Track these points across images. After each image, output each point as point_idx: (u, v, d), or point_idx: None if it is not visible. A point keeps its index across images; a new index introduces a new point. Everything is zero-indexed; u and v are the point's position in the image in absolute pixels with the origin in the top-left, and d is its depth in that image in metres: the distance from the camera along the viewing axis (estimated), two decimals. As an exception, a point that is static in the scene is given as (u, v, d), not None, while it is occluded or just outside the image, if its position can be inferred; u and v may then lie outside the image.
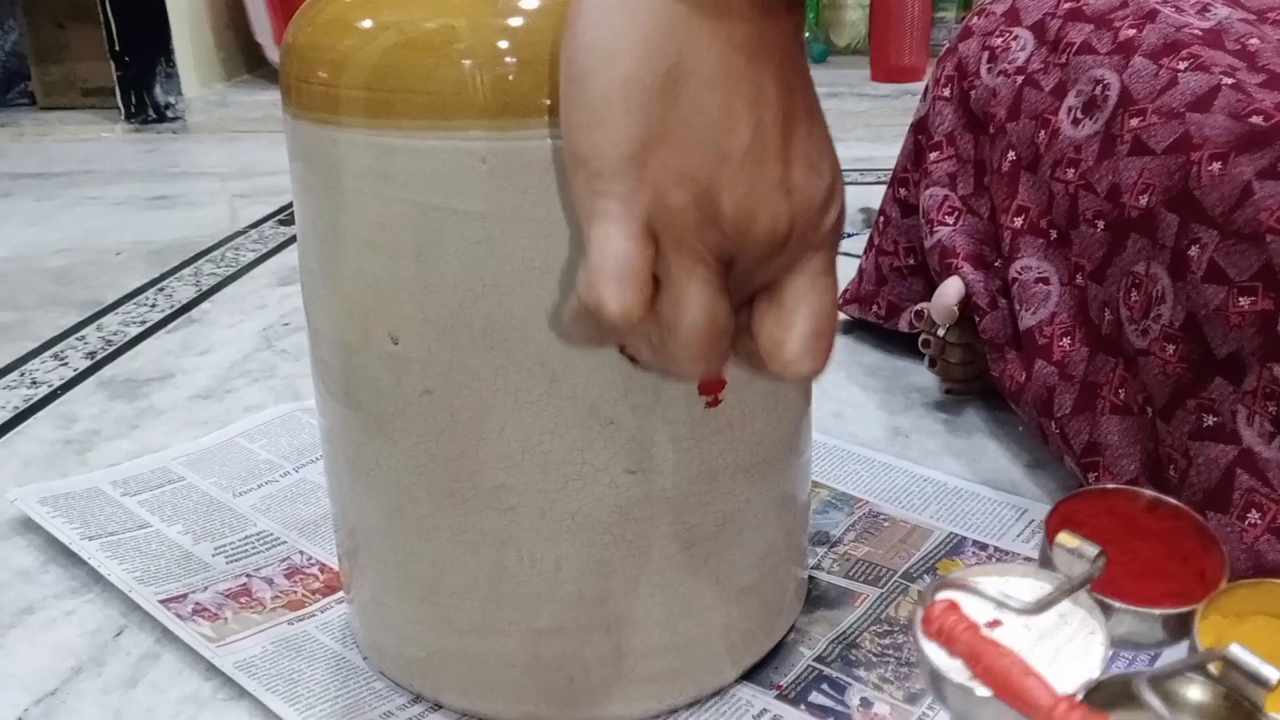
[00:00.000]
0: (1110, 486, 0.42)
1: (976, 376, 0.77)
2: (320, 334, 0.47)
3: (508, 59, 0.39)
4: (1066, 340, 0.62)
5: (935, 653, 0.34)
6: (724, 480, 0.46)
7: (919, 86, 1.94)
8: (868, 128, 1.66)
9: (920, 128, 0.78)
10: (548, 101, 0.39)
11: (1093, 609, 0.35)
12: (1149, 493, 0.40)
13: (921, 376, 0.81)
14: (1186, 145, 0.54)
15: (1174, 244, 0.54)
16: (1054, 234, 0.64)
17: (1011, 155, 0.68)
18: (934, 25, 2.00)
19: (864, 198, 1.25)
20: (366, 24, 0.42)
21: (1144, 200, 0.56)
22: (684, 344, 0.35)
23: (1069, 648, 0.34)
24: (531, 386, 0.43)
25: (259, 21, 2.08)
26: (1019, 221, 0.66)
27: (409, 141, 0.41)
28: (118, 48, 1.84)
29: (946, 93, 0.76)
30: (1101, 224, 0.59)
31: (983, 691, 0.33)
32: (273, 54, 2.11)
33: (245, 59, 2.21)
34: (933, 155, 0.76)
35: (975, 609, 0.35)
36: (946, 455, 0.71)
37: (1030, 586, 0.37)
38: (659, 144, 0.33)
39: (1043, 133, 0.65)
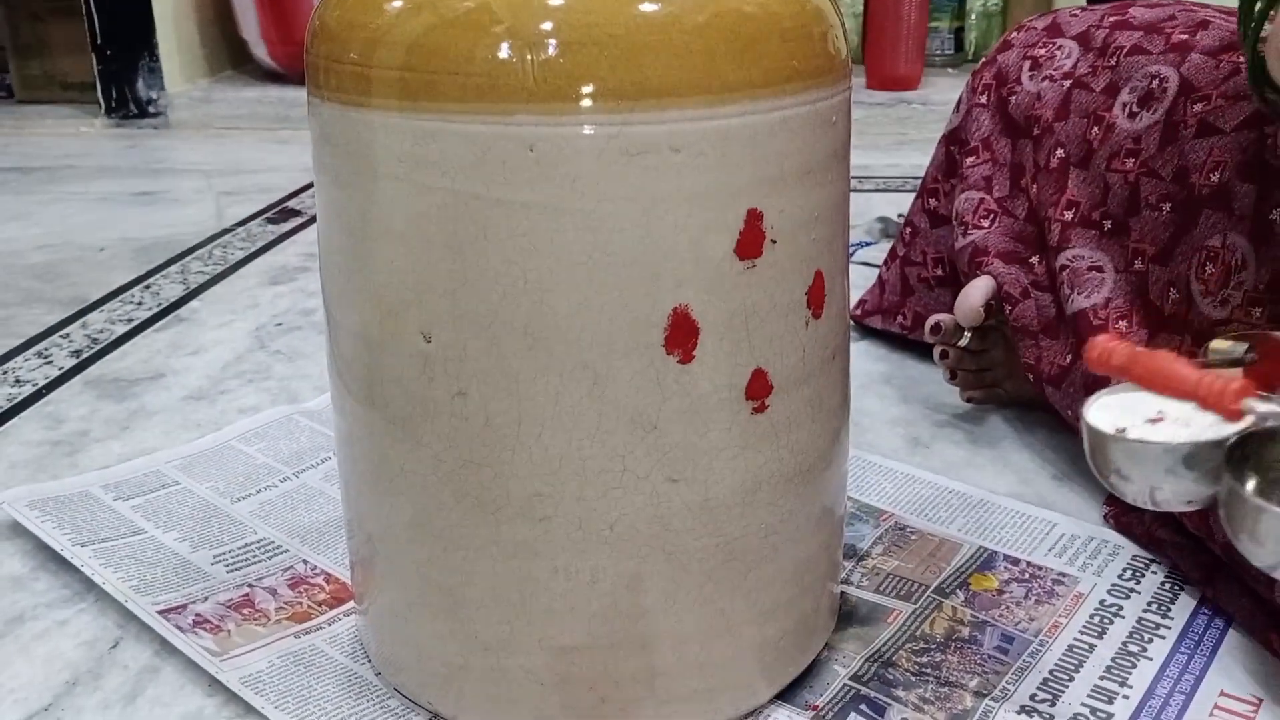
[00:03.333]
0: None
1: (996, 384, 0.76)
2: (342, 330, 0.45)
3: (554, 40, 0.37)
4: (1124, 323, 0.62)
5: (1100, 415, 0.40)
6: (767, 491, 0.44)
7: (914, 95, 1.96)
8: (863, 136, 1.65)
9: (953, 138, 0.78)
10: (598, 86, 0.37)
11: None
12: None
13: (938, 386, 0.79)
14: (1258, 120, 0.55)
15: (1253, 212, 0.55)
16: (1108, 224, 0.64)
17: (1060, 152, 0.67)
18: (929, 35, 2.00)
19: (867, 206, 1.24)
20: (400, 2, 0.40)
21: (1215, 177, 0.57)
22: None
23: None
24: (572, 389, 0.40)
25: (244, 16, 2.04)
26: (1069, 215, 0.66)
27: (449, 125, 0.38)
28: (99, 41, 1.80)
29: (984, 100, 0.75)
30: (1168, 206, 0.60)
31: (1153, 435, 0.38)
32: (258, 50, 2.08)
33: (230, 54, 2.18)
34: (968, 160, 0.75)
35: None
36: (969, 467, 0.70)
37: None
38: None
39: (1095, 129, 0.65)
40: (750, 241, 0.40)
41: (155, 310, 1.00)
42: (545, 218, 0.38)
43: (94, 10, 1.78)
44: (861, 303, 0.88)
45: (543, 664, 0.44)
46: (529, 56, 0.37)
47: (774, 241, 0.41)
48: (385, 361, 0.43)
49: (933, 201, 0.80)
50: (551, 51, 0.37)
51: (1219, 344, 0.40)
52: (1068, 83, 0.69)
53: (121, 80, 1.83)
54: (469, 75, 0.38)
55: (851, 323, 0.79)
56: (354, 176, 0.42)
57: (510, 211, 0.38)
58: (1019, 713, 0.48)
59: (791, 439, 0.44)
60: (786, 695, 0.49)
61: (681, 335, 0.40)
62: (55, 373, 0.86)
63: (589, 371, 0.40)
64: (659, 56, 0.37)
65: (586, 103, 0.37)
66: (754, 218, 0.40)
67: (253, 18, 2.02)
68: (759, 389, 0.42)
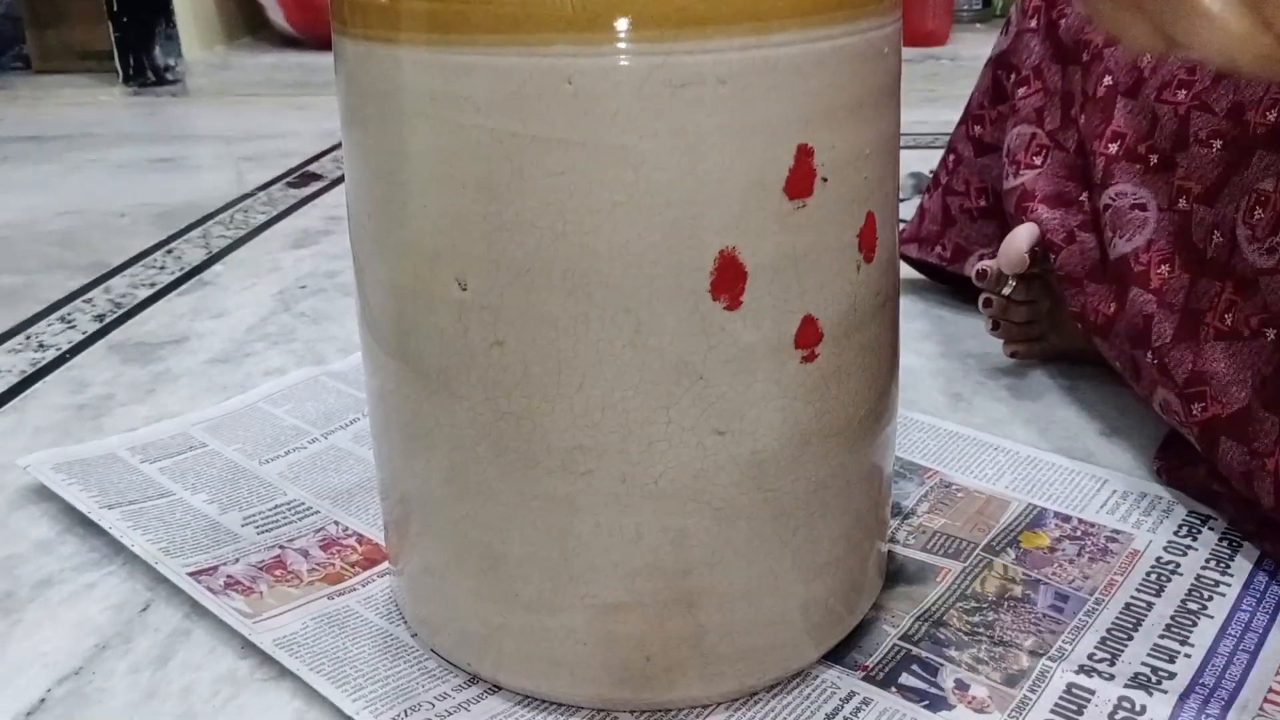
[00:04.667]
0: None
1: (1041, 337, 0.73)
2: (373, 282, 0.43)
3: (593, -32, 0.35)
4: (1165, 267, 0.59)
5: None
6: (817, 444, 0.42)
7: (942, 51, 1.91)
8: (891, 93, 1.62)
9: (1001, 62, 0.75)
10: (640, 14, 0.35)
11: None
12: None
13: (978, 341, 0.77)
14: None
15: None
16: (1154, 159, 0.61)
17: (1108, 80, 0.64)
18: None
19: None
20: (430, -67, 0.38)
21: (1272, 115, 0.54)
22: None
23: None
24: (614, 337, 0.38)
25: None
26: (1114, 148, 0.63)
27: (483, 59, 0.36)
28: (116, 9, 1.79)
29: (1033, 24, 0.72)
30: (1219, 143, 0.57)
31: None
32: (275, 15, 2.06)
33: (246, 21, 2.16)
34: (1020, 91, 0.72)
35: None
36: (1014, 422, 0.68)
37: None
38: None
39: (1147, 56, 0.62)
40: (800, 179, 0.38)
41: (177, 274, 0.99)
42: (584, 155, 0.36)
43: (110, -24, 1.77)
44: (900, 231, 0.84)
45: (585, 623, 0.43)
46: (567, -17, 0.35)
47: (825, 180, 0.39)
48: (419, 312, 0.41)
49: (978, 129, 0.77)
50: (591, -22, 0.35)
51: None
52: None
53: (139, 48, 1.82)
54: (503, 5, 0.36)
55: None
56: (383, 118, 0.40)
57: (547, 149, 0.37)
58: (1077, 672, 0.46)
59: (842, 390, 0.42)
60: (835, 655, 0.47)
61: (728, 280, 0.38)
62: (78, 337, 0.85)
63: (631, 318, 0.38)
64: (704, -18, 0.35)
65: (627, 32, 0.35)
66: (804, 153, 0.38)
67: (269, -17, 2.00)
68: (808, 337, 0.40)
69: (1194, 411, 0.55)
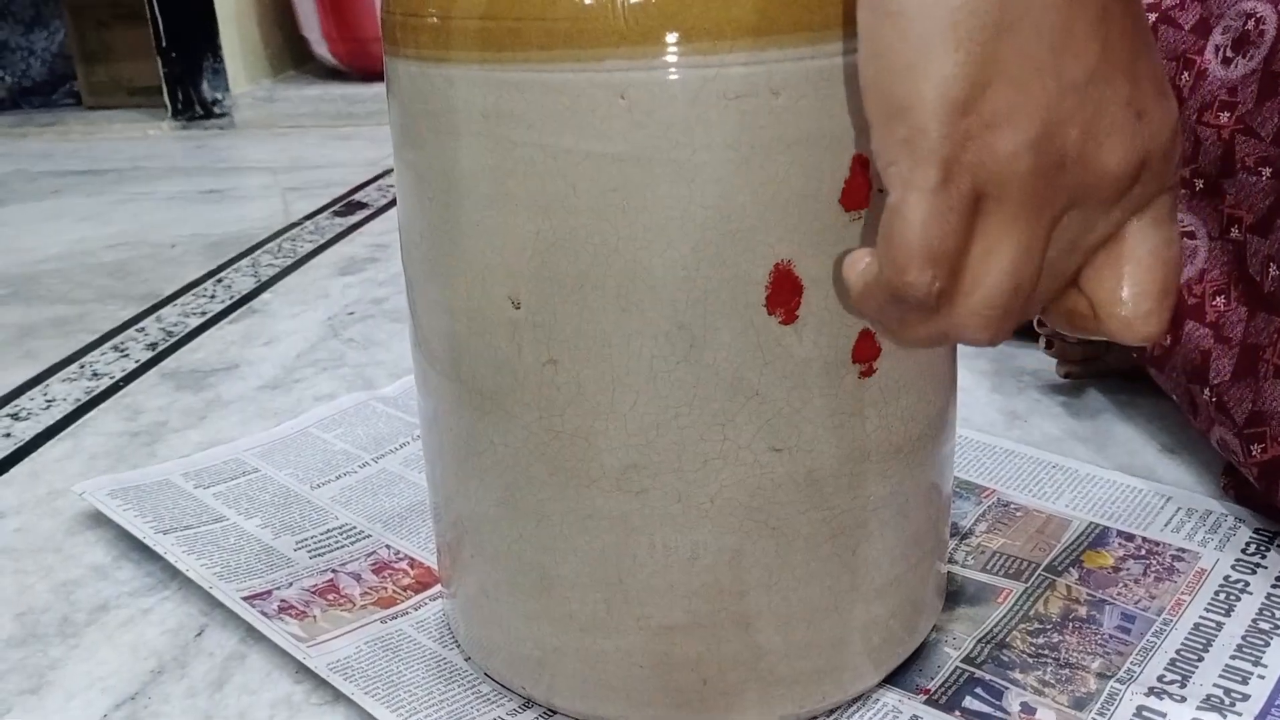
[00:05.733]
0: None
1: (1096, 357, 0.72)
2: (426, 303, 0.43)
3: (645, -18, 0.35)
4: (1220, 299, 0.57)
5: None
6: (876, 461, 0.41)
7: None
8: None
9: None
10: (693, 26, 0.35)
11: None
12: None
13: (1031, 358, 0.76)
14: None
15: None
16: (1200, 184, 0.58)
17: None
18: None
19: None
20: (481, -47, 0.38)
21: None
22: (977, 308, 0.32)
23: None
24: (668, 354, 0.38)
25: (305, 16, 2.05)
26: None
27: (535, 75, 0.36)
28: (164, 44, 1.82)
29: None
30: (1268, 171, 0.54)
31: None
32: (319, 48, 2.09)
33: (292, 54, 2.19)
34: None
35: None
36: (1071, 440, 0.66)
37: None
38: (990, 83, 0.30)
39: (1186, 74, 0.60)
40: (856, 190, 0.38)
41: (228, 303, 1.00)
42: (638, 170, 0.36)
43: (158, 14, 1.80)
44: None
45: (641, 645, 0.42)
46: (618, -3, 0.35)
47: (881, 191, 0.38)
48: (472, 332, 0.41)
49: None
50: (642, -8, 0.35)
51: None
52: (1153, 16, 0.63)
53: (186, 83, 1.85)
54: (555, 20, 0.36)
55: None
56: (435, 138, 0.40)
57: (600, 165, 0.36)
58: (1148, 694, 0.44)
59: (901, 406, 0.42)
60: (895, 678, 0.46)
61: (784, 294, 0.38)
62: (131, 366, 0.86)
63: (685, 334, 0.38)
64: (757, -7, 0.35)
65: (679, 44, 0.35)
66: (860, 164, 0.38)
67: (313, 17, 2.04)
68: (866, 351, 0.40)
69: (1253, 452, 0.53)
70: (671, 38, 0.35)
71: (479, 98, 0.38)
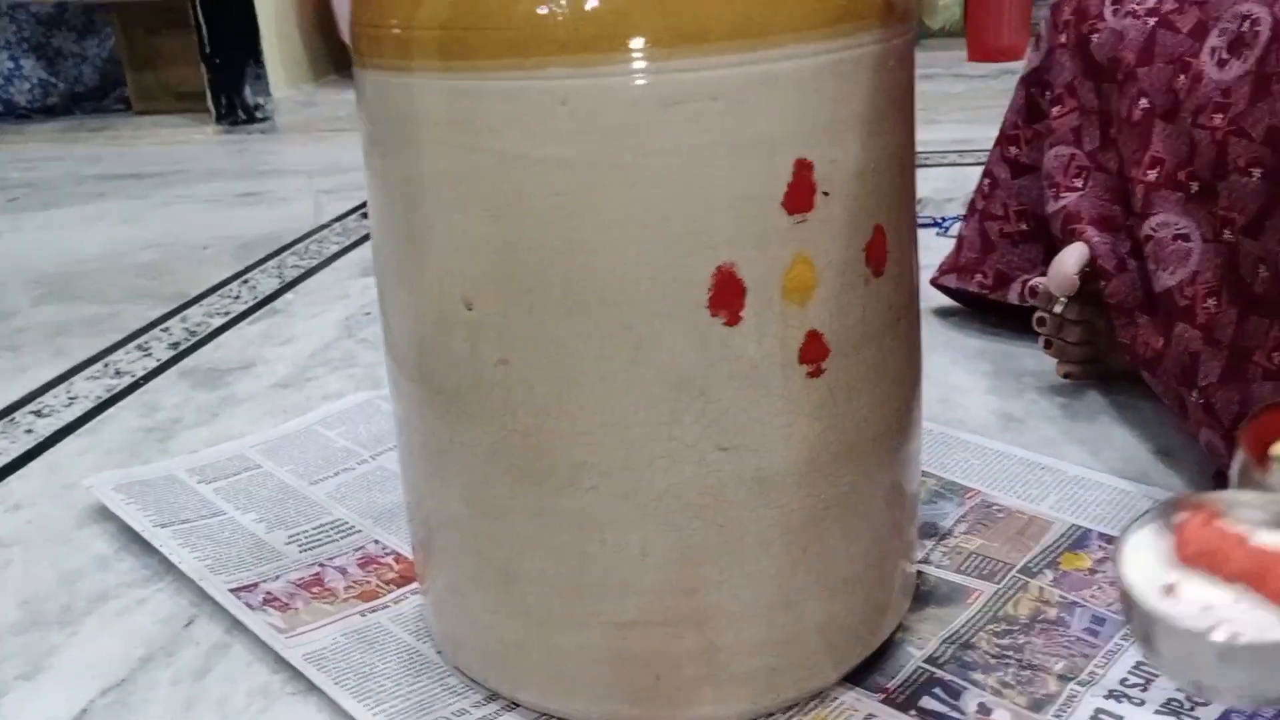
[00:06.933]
0: None
1: (1096, 358, 0.71)
2: (394, 306, 0.44)
3: (587, -9, 0.36)
4: (1212, 301, 0.56)
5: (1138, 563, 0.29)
6: (827, 461, 0.42)
7: (1018, 66, 1.88)
8: (964, 110, 1.60)
9: (1033, 80, 0.73)
10: (632, 34, 0.36)
11: None
12: None
13: (1032, 360, 0.75)
14: None
15: None
16: (1195, 186, 0.58)
17: (1144, 103, 0.61)
18: (1035, 3, 1.92)
19: (965, 181, 1.19)
20: (437, -36, 0.39)
21: None
22: None
23: None
24: (615, 354, 0.39)
25: (345, 22, 2.09)
26: (1153, 174, 0.60)
27: (485, 84, 0.37)
28: (208, 50, 1.87)
29: (1064, 39, 0.70)
30: (1258, 172, 0.53)
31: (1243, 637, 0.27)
32: (359, 55, 2.12)
33: (332, 60, 2.23)
34: (1054, 110, 0.70)
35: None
36: (1067, 442, 0.66)
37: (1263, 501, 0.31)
38: None
39: (1182, 77, 0.59)
40: (799, 194, 0.38)
41: (251, 303, 1.02)
42: (582, 175, 0.37)
43: (202, 22, 1.85)
44: (939, 265, 0.83)
45: (598, 641, 0.43)
46: (558, 7, 0.36)
47: (826, 194, 0.39)
48: (432, 334, 0.42)
49: (1013, 150, 0.75)
50: (585, 1, 0.36)
51: None
52: (1152, 20, 0.62)
53: (230, 88, 1.89)
54: (501, 29, 0.37)
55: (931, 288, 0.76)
56: (398, 145, 0.41)
57: (546, 170, 0.37)
58: (1107, 697, 0.44)
59: (852, 407, 0.42)
60: (855, 677, 0.46)
61: (727, 296, 0.38)
62: (153, 364, 0.88)
63: (631, 335, 0.39)
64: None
65: (619, 52, 0.36)
66: (803, 168, 0.38)
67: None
68: (814, 353, 0.40)
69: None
70: (610, 46, 0.36)
71: (436, 105, 0.39)
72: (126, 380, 0.85)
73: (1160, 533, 0.30)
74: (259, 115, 1.91)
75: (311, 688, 0.48)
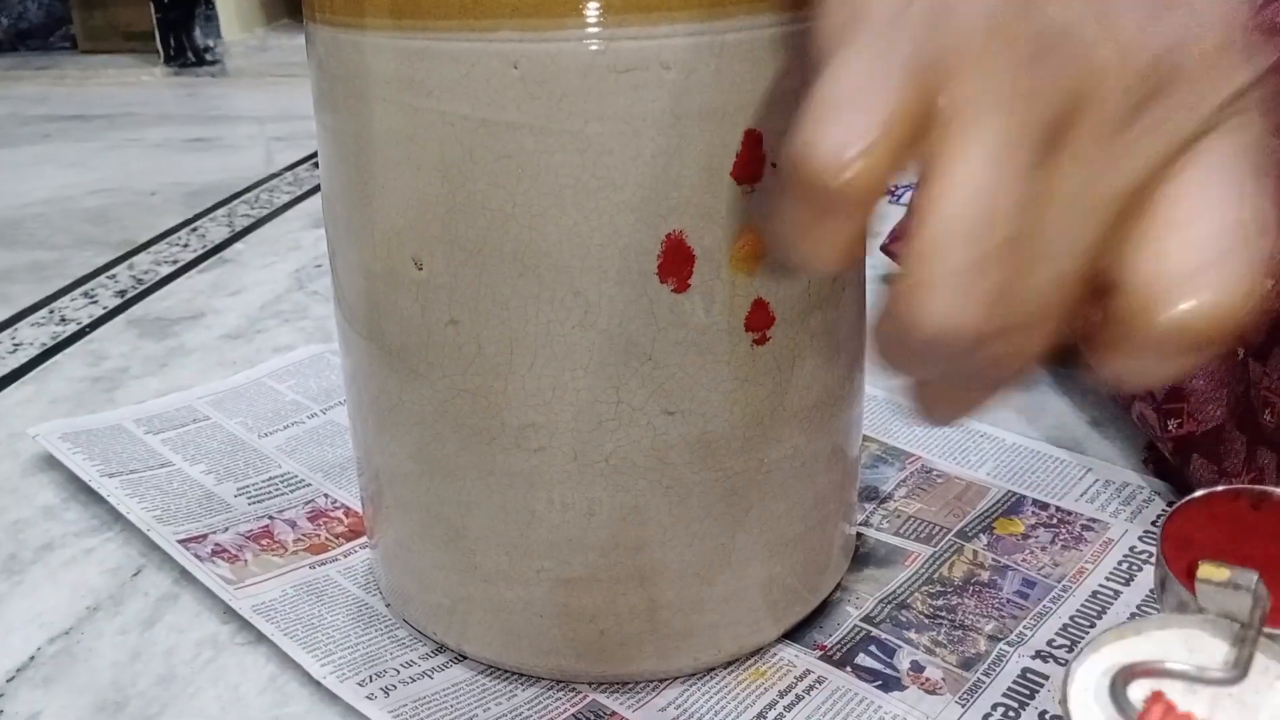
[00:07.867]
0: (1203, 493, 0.37)
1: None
2: (343, 263, 0.45)
3: (543, -44, 0.36)
4: None
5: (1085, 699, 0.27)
6: (770, 426, 0.43)
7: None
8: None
9: None
10: (585, 0, 0.36)
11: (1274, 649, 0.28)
12: (1253, 488, 0.36)
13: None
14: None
15: None
16: None
17: None
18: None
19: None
20: (392, -79, 0.39)
21: None
22: (927, 250, 0.21)
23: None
24: (564, 318, 0.39)
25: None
26: None
27: (436, 44, 0.37)
28: (158, -10, 1.82)
29: None
30: None
31: None
32: (314, -1, 2.08)
33: (285, 3, 2.18)
34: None
35: (1174, 694, 0.27)
36: (1005, 410, 0.67)
37: (1202, 641, 0.29)
38: None
39: None
40: (749, 164, 0.39)
41: (200, 252, 1.01)
42: (532, 139, 0.37)
43: (152, -41, 1.80)
44: (891, 234, 0.83)
45: (542, 596, 0.44)
46: (512, -30, 0.36)
47: (774, 165, 0.39)
48: (382, 292, 0.42)
49: None
50: (537, -35, 0.36)
51: (1214, 570, 0.27)
52: None
53: (179, 29, 1.85)
54: (453, -8, 0.36)
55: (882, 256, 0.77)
56: (348, 103, 0.41)
57: (496, 132, 0.37)
58: (1034, 657, 0.46)
59: (796, 373, 0.43)
60: (795, 635, 0.48)
61: (676, 263, 0.39)
62: (99, 312, 0.87)
63: (580, 300, 0.39)
64: (649, -31, 0.36)
65: (572, 17, 0.36)
66: (752, 139, 0.39)
67: (309, -36, 2.03)
68: (759, 320, 0.41)
69: (1169, 427, 0.54)
70: (563, 11, 0.36)
71: (386, 64, 0.39)
72: (72, 327, 0.84)
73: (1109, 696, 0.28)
74: (209, 58, 1.87)
75: (260, 638, 0.49)
